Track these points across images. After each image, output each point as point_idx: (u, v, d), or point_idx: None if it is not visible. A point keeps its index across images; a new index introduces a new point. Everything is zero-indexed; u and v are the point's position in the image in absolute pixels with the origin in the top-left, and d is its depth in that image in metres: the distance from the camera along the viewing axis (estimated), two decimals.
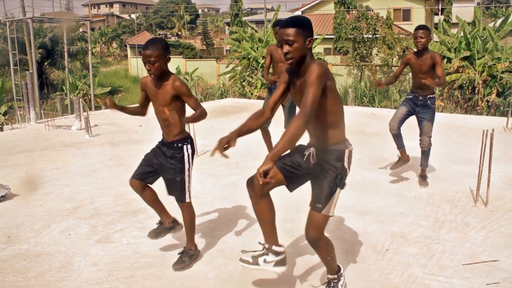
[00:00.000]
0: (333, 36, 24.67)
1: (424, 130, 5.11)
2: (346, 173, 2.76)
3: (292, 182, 2.89)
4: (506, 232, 4.02)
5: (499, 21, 18.49)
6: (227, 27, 40.53)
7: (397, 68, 21.39)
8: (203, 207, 4.55)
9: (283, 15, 29.32)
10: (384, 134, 7.77)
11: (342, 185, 2.75)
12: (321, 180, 2.74)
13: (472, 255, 3.60)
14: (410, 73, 5.26)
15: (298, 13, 31.56)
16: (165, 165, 3.36)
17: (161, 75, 3.23)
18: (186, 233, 3.51)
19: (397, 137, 5.24)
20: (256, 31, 22.26)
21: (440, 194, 4.97)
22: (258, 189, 2.80)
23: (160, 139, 3.45)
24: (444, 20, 26.26)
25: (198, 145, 6.62)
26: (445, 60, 17.83)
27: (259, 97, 18.30)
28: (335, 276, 2.96)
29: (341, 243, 3.77)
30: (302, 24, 2.60)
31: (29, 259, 3.60)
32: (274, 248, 2.90)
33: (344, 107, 2.83)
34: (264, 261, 2.88)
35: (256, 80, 20.00)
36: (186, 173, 3.35)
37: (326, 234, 2.82)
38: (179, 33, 55.24)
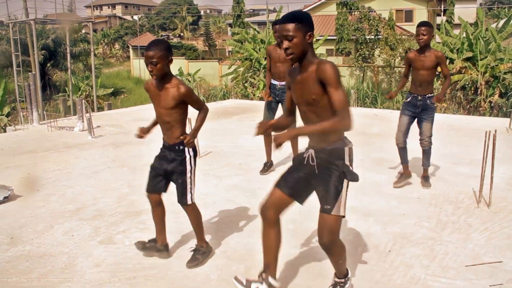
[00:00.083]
0: (335, 37, 24.67)
1: (424, 130, 5.10)
2: (349, 168, 2.72)
3: (299, 196, 2.87)
4: (509, 233, 4.01)
5: (501, 22, 18.50)
6: (229, 28, 40.57)
7: (400, 69, 21.37)
8: (205, 208, 4.54)
9: None
10: (386, 135, 7.77)
11: (352, 179, 2.70)
12: (325, 182, 2.71)
13: (475, 256, 3.59)
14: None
15: None
16: (168, 168, 3.37)
17: (163, 76, 3.23)
18: (195, 232, 3.54)
19: (403, 151, 5.23)
20: (258, 32, 22.28)
21: (442, 195, 4.96)
22: (272, 214, 2.82)
23: (161, 145, 3.46)
24: (447, 21, 26.24)
25: (200, 146, 6.63)
26: (448, 61, 17.81)
27: (261, 98, 18.30)
28: (343, 280, 2.95)
29: (344, 244, 3.75)
30: (301, 19, 2.57)
31: (32, 260, 3.60)
32: (270, 280, 2.88)
33: None
34: None
35: (258, 81, 20.01)
36: (188, 175, 3.35)
37: None
38: (181, 34, 55.30)
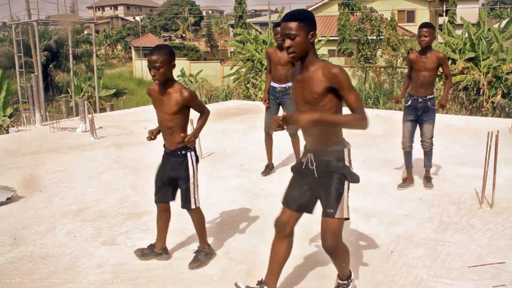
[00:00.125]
0: (337, 38, 24.69)
1: (425, 132, 5.10)
2: (349, 169, 2.70)
3: (307, 208, 2.86)
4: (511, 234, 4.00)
5: (504, 22, 18.46)
6: (231, 29, 40.62)
7: (402, 69, 21.31)
8: (208, 209, 4.54)
9: None
10: (388, 135, 7.76)
11: (353, 180, 2.68)
12: (326, 186, 2.69)
13: (478, 257, 3.59)
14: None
15: None
16: (172, 175, 3.38)
17: (166, 81, 3.23)
18: (198, 235, 3.56)
19: (409, 155, 5.24)
20: (260, 33, 22.29)
21: (445, 196, 4.96)
22: (286, 229, 2.83)
23: (162, 151, 3.46)
24: (449, 21, 26.22)
25: (202, 147, 6.64)
26: (450, 61, 17.79)
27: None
28: (345, 282, 2.95)
29: (347, 247, 3.75)
30: (304, 18, 2.54)
31: (35, 261, 3.61)
32: None
33: None
34: None
35: (261, 82, 20.01)
36: (191, 180, 3.36)
37: None
38: (184, 35, 55.35)
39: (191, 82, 25.21)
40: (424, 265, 3.48)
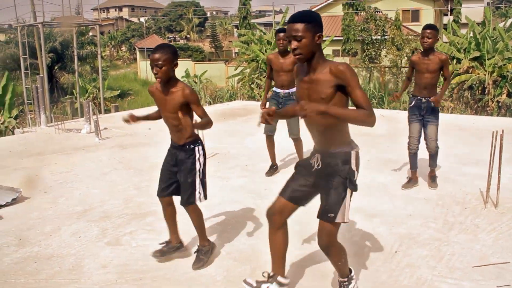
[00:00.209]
0: (341, 38, 24.64)
1: (429, 134, 5.07)
2: (354, 175, 2.68)
3: (302, 200, 2.87)
4: None
5: (509, 21, 18.38)
6: (235, 29, 40.67)
7: (406, 69, 21.29)
8: (211, 209, 4.56)
9: None
10: (392, 136, 7.75)
11: (352, 188, 2.68)
12: (329, 189, 2.68)
13: (482, 257, 3.58)
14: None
15: None
16: (177, 168, 3.38)
17: (168, 80, 3.24)
18: (197, 232, 3.55)
19: (414, 156, 5.23)
20: (264, 33, 22.30)
21: (449, 196, 4.94)
22: (277, 219, 2.84)
23: (169, 145, 3.47)
24: (454, 20, 26.16)
25: (207, 147, 6.63)
26: (455, 60, 17.73)
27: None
28: (345, 279, 2.95)
29: (350, 246, 3.75)
30: (311, 19, 2.51)
31: (40, 262, 3.63)
32: (280, 279, 2.92)
33: None
34: None
35: (265, 82, 20.02)
36: (197, 174, 3.36)
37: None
38: (188, 36, 55.47)
39: (196, 82, 25.22)
40: (428, 265, 3.47)
